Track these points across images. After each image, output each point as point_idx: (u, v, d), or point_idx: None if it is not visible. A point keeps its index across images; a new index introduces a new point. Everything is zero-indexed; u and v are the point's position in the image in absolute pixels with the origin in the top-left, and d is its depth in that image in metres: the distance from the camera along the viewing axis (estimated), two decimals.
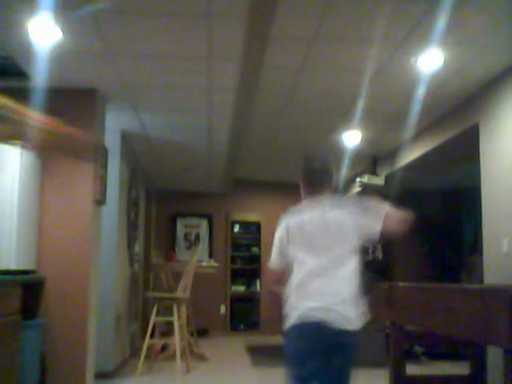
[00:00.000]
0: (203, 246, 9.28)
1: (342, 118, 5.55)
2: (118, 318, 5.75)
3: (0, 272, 3.65)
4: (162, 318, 6.06)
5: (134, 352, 6.66)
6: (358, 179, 7.38)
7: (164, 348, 6.56)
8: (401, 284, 3.57)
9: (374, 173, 7.17)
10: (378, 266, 8.26)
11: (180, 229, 9.55)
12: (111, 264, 5.41)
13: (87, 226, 4.33)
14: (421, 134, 5.96)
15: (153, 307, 5.77)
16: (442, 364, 6.03)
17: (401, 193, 7.92)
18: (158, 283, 7.34)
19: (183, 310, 6.10)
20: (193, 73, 4.16)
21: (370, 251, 8.24)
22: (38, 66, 3.90)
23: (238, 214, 9.73)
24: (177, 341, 5.53)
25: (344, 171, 7.90)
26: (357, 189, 7.86)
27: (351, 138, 6.16)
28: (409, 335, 3.83)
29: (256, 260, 9.67)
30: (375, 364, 5.65)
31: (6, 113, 2.16)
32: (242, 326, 9.51)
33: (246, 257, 9.73)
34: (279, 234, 2.34)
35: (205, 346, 7.41)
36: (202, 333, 8.42)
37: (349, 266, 2.19)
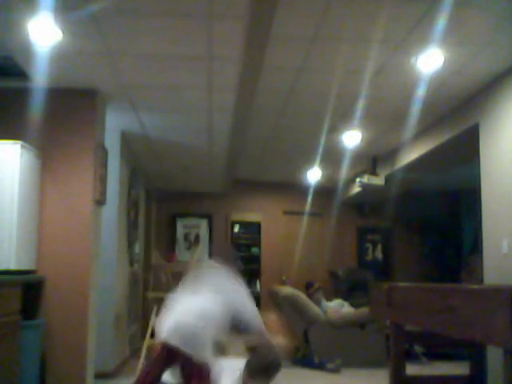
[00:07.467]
0: (203, 246, 9.26)
1: (342, 118, 5.55)
2: (118, 318, 5.74)
3: (0, 272, 3.65)
4: None
5: (134, 352, 6.66)
6: (358, 179, 7.38)
7: None
8: (401, 284, 3.57)
9: (373, 173, 7.17)
10: (378, 265, 8.27)
11: (180, 229, 9.54)
12: (111, 264, 5.41)
13: (87, 226, 4.33)
14: (421, 133, 5.95)
15: (153, 307, 5.76)
16: (442, 364, 6.02)
17: (401, 193, 7.94)
18: (158, 283, 7.33)
19: None
20: (193, 73, 4.15)
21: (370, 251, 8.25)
22: (37, 66, 3.90)
23: (238, 214, 9.73)
24: None
25: (344, 171, 7.91)
26: (357, 189, 7.87)
27: (351, 138, 6.16)
28: (409, 335, 3.82)
29: (256, 260, 9.66)
30: (375, 364, 5.65)
31: None
32: (242, 326, 9.48)
33: (246, 257, 9.70)
34: None
35: None
36: None
37: None
